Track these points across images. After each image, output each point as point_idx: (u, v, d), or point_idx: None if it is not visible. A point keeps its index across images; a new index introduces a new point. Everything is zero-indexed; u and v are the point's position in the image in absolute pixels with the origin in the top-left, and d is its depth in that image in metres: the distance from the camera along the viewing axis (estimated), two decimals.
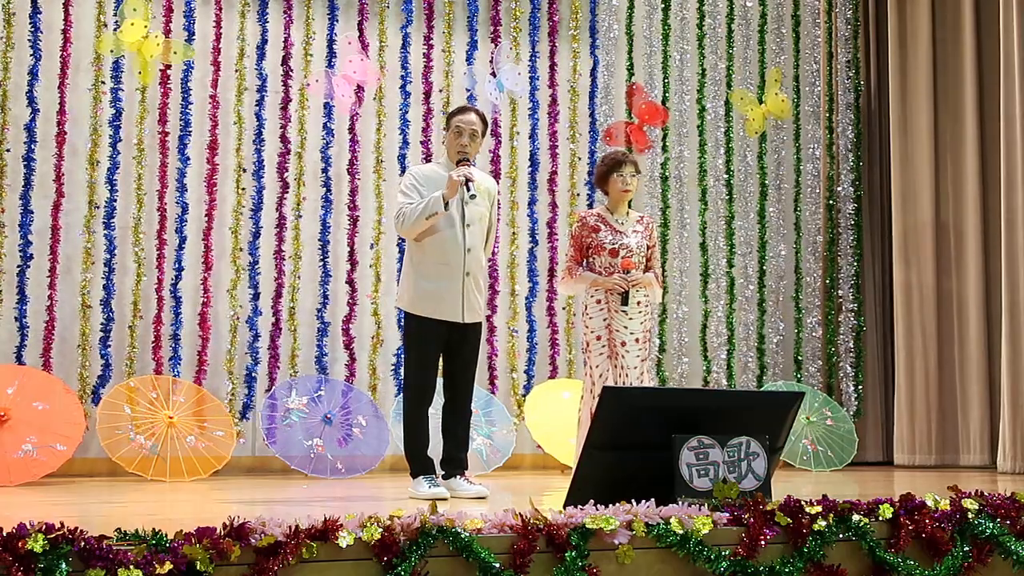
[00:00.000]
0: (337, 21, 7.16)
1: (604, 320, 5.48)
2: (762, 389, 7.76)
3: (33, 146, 6.37)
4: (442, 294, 4.96)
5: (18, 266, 6.28)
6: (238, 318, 6.75)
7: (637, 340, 5.46)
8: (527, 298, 7.43)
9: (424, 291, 4.99)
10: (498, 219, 5.67)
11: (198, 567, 2.64)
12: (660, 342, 7.72)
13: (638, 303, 5.46)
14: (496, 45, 7.43)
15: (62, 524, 2.60)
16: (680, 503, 3.51)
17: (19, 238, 6.30)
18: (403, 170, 7.08)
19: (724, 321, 7.93)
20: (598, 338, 5.49)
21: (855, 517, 3.45)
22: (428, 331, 4.98)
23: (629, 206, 5.63)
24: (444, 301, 4.96)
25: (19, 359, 6.22)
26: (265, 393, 6.72)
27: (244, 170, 6.86)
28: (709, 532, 3.24)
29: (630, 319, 5.44)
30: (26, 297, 6.28)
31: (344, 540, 2.84)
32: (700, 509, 3.36)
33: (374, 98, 7.20)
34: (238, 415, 6.68)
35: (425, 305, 4.98)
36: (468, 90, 7.41)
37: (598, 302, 5.50)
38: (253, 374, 6.74)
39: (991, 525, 3.62)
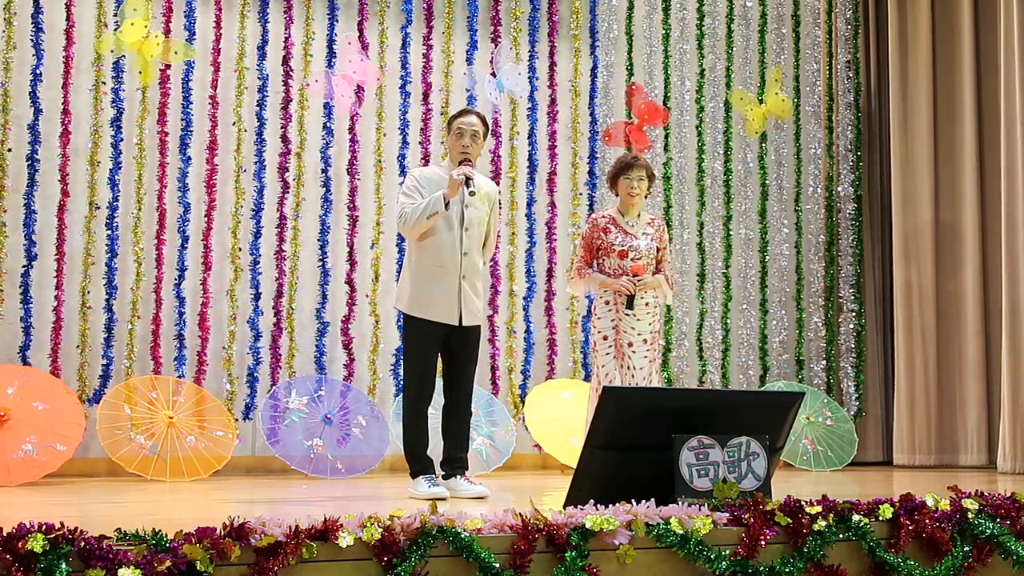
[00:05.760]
0: (337, 21, 7.16)
1: (612, 321, 5.52)
2: (762, 389, 7.76)
3: (36, 146, 6.37)
4: (438, 296, 4.97)
5: (23, 266, 6.28)
6: (236, 318, 6.75)
7: (645, 341, 5.49)
8: (525, 298, 7.42)
9: (421, 292, 5.00)
10: (499, 226, 5.66)
11: (198, 567, 2.64)
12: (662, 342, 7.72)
13: (646, 304, 5.50)
14: (496, 45, 7.43)
15: (62, 524, 2.60)
16: (680, 503, 3.51)
17: (23, 238, 6.30)
18: (403, 170, 7.09)
19: (721, 321, 7.93)
20: (605, 338, 5.53)
21: (855, 517, 3.46)
22: (426, 332, 4.99)
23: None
24: (440, 303, 4.97)
25: (24, 360, 6.21)
26: (266, 393, 6.72)
27: (244, 170, 6.86)
28: (709, 532, 3.25)
29: (638, 320, 5.48)
30: (30, 297, 6.28)
31: (344, 540, 2.84)
32: (700, 509, 3.36)
33: (374, 98, 7.20)
34: (240, 416, 6.67)
35: (422, 306, 4.99)
36: (468, 90, 7.41)
37: (606, 303, 5.54)
38: (255, 374, 6.74)
39: (991, 525, 3.62)
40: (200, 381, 6.59)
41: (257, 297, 6.79)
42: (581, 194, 7.64)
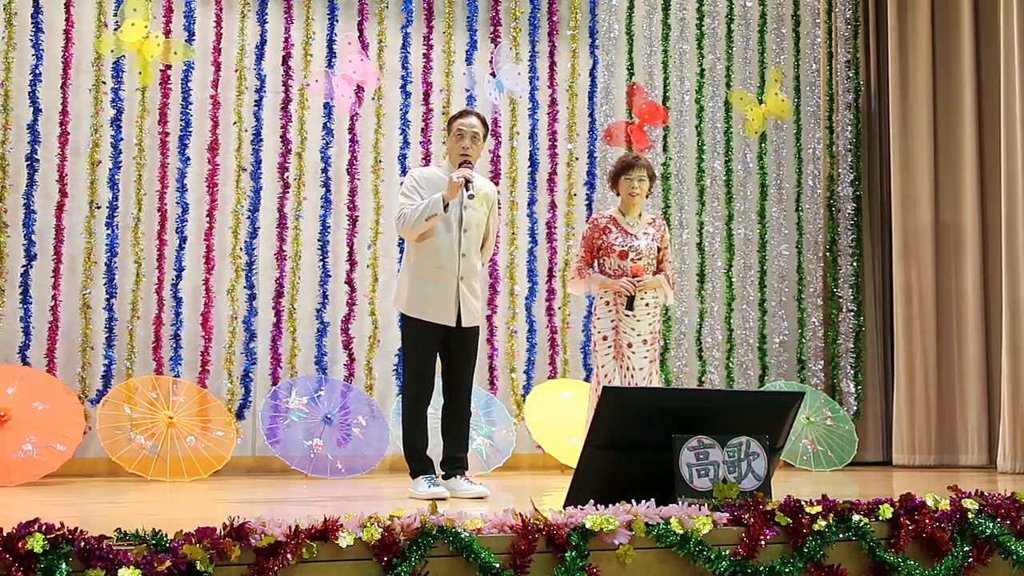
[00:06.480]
0: (337, 21, 7.16)
1: (611, 321, 5.52)
2: (762, 389, 7.76)
3: (36, 146, 6.37)
4: (436, 297, 4.98)
5: (22, 266, 6.29)
6: (237, 318, 6.75)
7: (645, 341, 5.49)
8: (527, 298, 7.43)
9: (419, 294, 5.01)
10: (498, 226, 5.66)
11: (198, 567, 2.64)
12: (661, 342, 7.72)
13: (646, 304, 5.50)
14: (496, 45, 7.42)
15: (62, 524, 2.60)
16: (680, 503, 3.51)
17: (23, 238, 6.30)
18: (403, 171, 7.09)
19: (722, 321, 7.93)
20: (604, 339, 5.53)
21: (855, 517, 3.46)
22: (425, 333, 5.00)
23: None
24: (438, 304, 4.97)
25: (24, 359, 6.22)
26: (266, 393, 6.72)
27: (244, 170, 6.86)
28: (709, 532, 3.25)
29: (638, 320, 5.48)
30: (29, 297, 6.28)
31: (344, 540, 2.84)
32: (700, 509, 3.36)
33: (373, 98, 7.20)
34: (235, 415, 6.67)
35: (420, 307, 5.00)
36: (468, 90, 7.41)
37: (607, 304, 5.55)
38: (250, 374, 6.74)
39: (991, 525, 3.62)
40: (204, 381, 6.60)
41: (252, 297, 6.79)
42: (576, 194, 7.63)
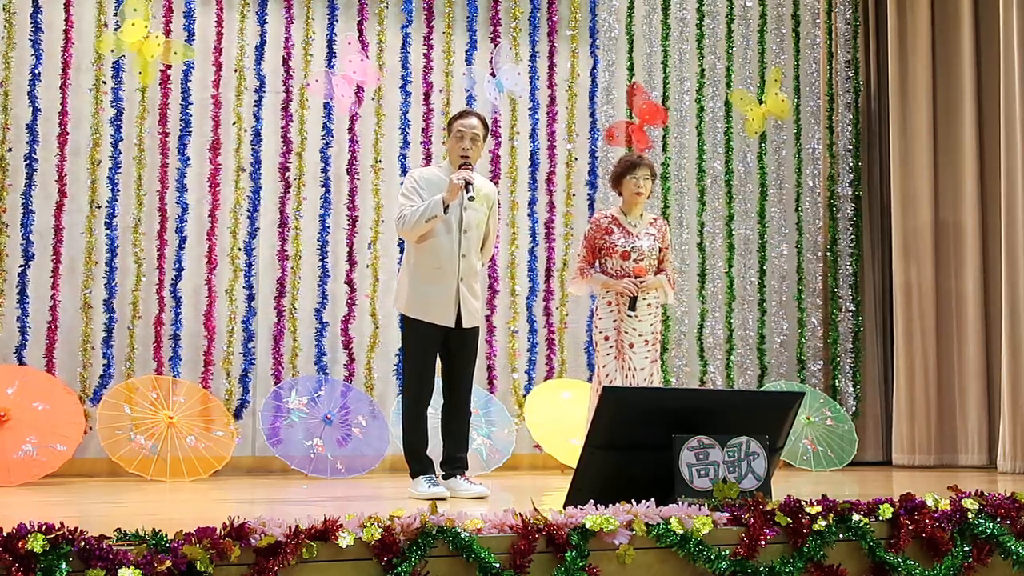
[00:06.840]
0: (337, 21, 7.16)
1: (613, 321, 5.53)
2: (762, 389, 7.76)
3: (35, 146, 6.37)
4: (436, 298, 4.98)
5: (20, 266, 6.29)
6: (236, 318, 6.75)
7: (646, 341, 5.49)
8: (527, 298, 7.43)
9: (419, 294, 5.01)
10: (498, 227, 5.66)
11: (198, 567, 2.64)
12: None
13: (648, 304, 5.51)
14: (496, 45, 7.43)
15: (62, 524, 2.60)
16: (680, 503, 3.51)
17: (21, 238, 6.30)
18: (403, 171, 7.09)
19: (722, 321, 7.93)
20: (606, 339, 5.53)
21: (855, 517, 3.46)
22: (425, 334, 5.00)
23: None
24: (438, 305, 4.98)
25: (20, 359, 6.22)
26: (266, 393, 6.72)
27: (243, 170, 6.86)
28: (709, 532, 3.25)
29: (639, 321, 5.48)
30: (27, 297, 6.28)
31: (344, 540, 2.84)
32: (700, 509, 3.36)
33: (373, 98, 7.20)
34: (233, 415, 6.67)
35: (420, 308, 5.00)
36: (468, 90, 7.41)
37: (608, 303, 5.55)
38: (249, 374, 6.74)
39: (991, 525, 3.62)
40: (207, 382, 6.60)
41: (252, 297, 6.79)
42: (576, 194, 7.63)
